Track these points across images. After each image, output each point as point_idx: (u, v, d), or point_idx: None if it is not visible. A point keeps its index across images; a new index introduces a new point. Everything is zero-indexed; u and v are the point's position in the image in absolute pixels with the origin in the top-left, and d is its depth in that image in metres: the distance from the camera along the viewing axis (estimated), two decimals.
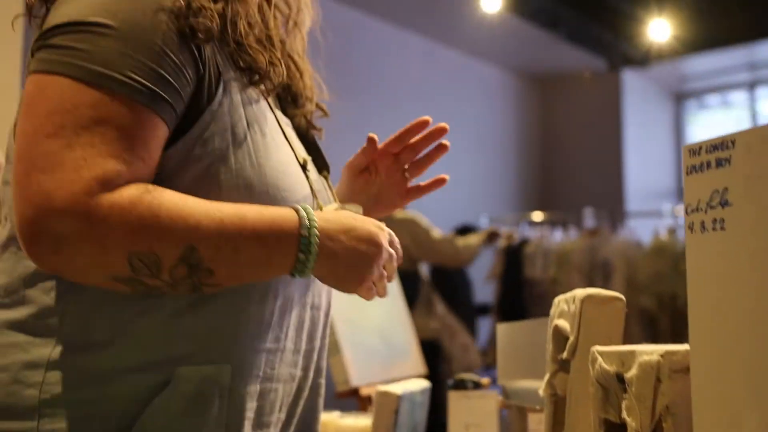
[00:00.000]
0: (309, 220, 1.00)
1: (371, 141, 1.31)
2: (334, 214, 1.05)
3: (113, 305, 0.98)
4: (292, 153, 1.13)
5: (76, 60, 0.94)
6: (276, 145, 1.09)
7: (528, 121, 7.41)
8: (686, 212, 0.80)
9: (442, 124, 1.34)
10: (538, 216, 5.63)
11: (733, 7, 5.51)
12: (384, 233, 1.08)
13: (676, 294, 4.53)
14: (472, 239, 4.32)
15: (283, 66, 1.14)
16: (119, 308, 0.98)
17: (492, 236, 4.44)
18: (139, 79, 0.95)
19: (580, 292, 1.11)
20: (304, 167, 1.15)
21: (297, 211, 1.00)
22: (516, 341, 1.49)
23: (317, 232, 1.00)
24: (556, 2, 5.54)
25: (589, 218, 4.90)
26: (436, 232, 4.26)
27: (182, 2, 0.99)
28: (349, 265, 1.04)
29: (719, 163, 0.77)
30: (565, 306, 1.15)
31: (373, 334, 2.59)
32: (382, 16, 5.58)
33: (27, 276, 0.99)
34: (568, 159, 7.22)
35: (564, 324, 1.14)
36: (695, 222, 0.79)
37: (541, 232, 5.25)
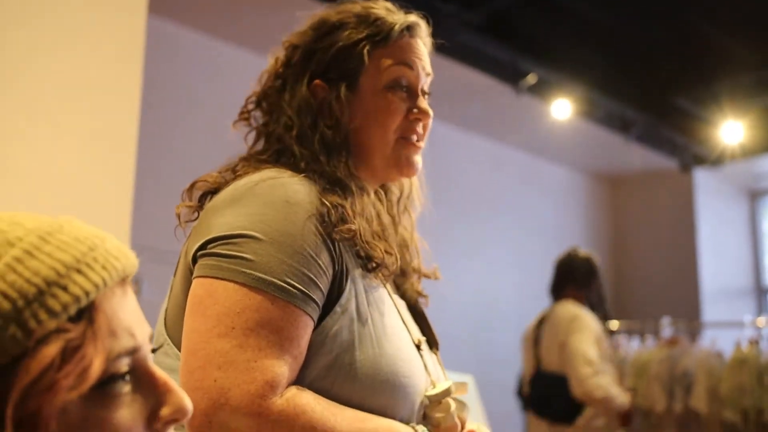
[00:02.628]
0: None
1: None
2: None
3: None
4: (409, 337, 1.24)
5: (241, 267, 1.07)
6: (394, 332, 1.20)
7: (599, 222, 7.37)
8: None
9: None
10: (614, 325, 5.53)
11: None
12: None
13: (762, 408, 4.39)
14: (615, 392, 3.69)
15: (397, 255, 1.25)
16: None
17: (625, 418, 3.84)
18: (294, 283, 1.08)
19: None
20: (418, 348, 1.26)
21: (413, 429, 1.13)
22: None
23: None
24: (626, 106, 5.58)
25: (666, 327, 4.82)
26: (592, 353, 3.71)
27: (325, 209, 1.14)
28: None
29: None
30: None
31: None
32: (448, 121, 5.69)
33: None
34: (641, 261, 7.12)
35: None
36: None
37: (617, 341, 5.16)
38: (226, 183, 1.21)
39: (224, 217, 1.13)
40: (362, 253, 1.18)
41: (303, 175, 1.20)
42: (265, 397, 1.03)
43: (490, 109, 5.63)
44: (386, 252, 1.21)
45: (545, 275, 6.60)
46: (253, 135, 1.34)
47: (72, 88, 2.36)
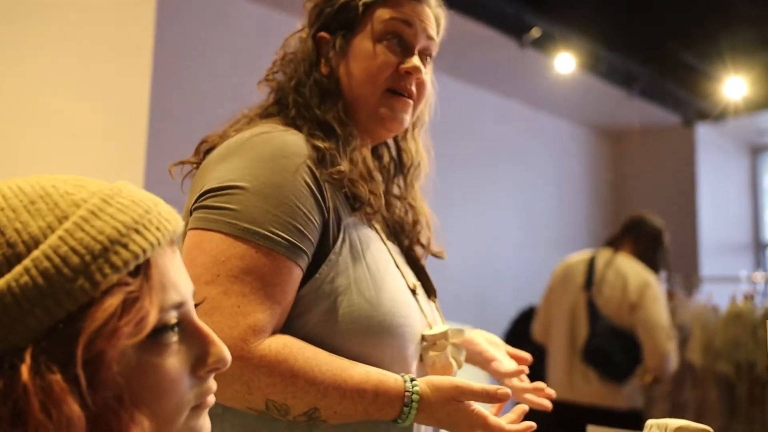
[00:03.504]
0: (410, 402, 1.15)
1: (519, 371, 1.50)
2: (445, 385, 1.18)
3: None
4: (404, 281, 1.29)
5: (227, 218, 1.12)
6: (389, 276, 1.25)
7: (601, 176, 7.39)
8: None
9: (550, 394, 1.47)
10: None
11: None
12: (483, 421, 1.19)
13: (754, 361, 4.47)
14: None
15: (382, 196, 1.30)
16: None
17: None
18: (279, 232, 1.12)
19: (672, 423, 1.16)
20: (413, 292, 1.30)
21: (404, 382, 1.16)
22: None
23: (416, 406, 1.15)
24: (630, 61, 5.57)
25: (664, 282, 4.88)
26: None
27: (316, 153, 1.19)
28: (451, 425, 1.19)
29: None
30: (657, 431, 1.20)
31: None
32: (451, 73, 5.69)
33: None
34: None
35: None
36: None
37: None
38: (227, 138, 1.26)
39: (216, 171, 1.18)
40: (348, 193, 1.23)
41: (292, 125, 1.25)
42: (247, 341, 1.07)
43: (494, 62, 5.62)
44: (371, 192, 1.25)
45: (546, 227, 6.67)
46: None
47: (86, 54, 2.38)
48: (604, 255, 3.87)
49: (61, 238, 0.65)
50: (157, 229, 0.70)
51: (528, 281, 5.87)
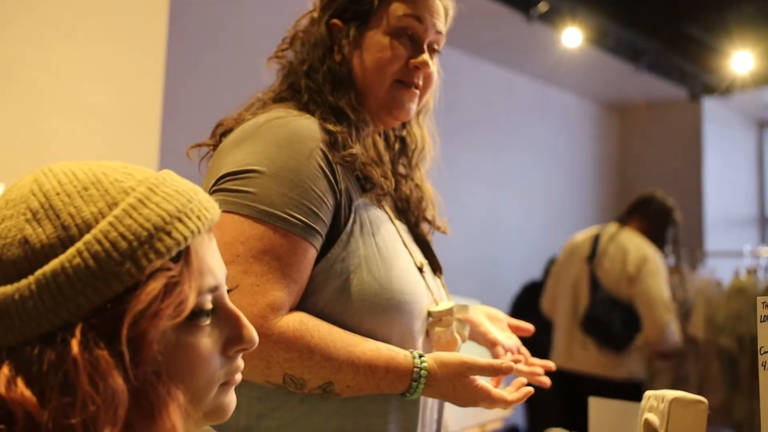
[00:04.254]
0: (418, 376, 1.22)
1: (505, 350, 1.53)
2: (452, 361, 1.25)
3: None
4: (411, 259, 1.35)
5: (246, 201, 1.18)
6: (397, 254, 1.31)
7: (607, 150, 7.40)
8: (760, 352, 0.92)
9: (549, 367, 1.51)
10: None
11: None
12: (488, 396, 1.26)
13: (756, 335, 4.49)
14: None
15: (392, 179, 1.37)
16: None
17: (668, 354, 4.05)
18: (295, 214, 1.18)
19: (669, 394, 1.21)
20: (420, 270, 1.36)
21: (413, 358, 1.23)
22: (608, 419, 1.58)
23: (424, 381, 1.22)
24: (637, 35, 5.57)
25: (668, 257, 4.92)
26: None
27: (328, 136, 1.25)
28: (457, 398, 1.26)
29: None
30: (654, 402, 1.25)
31: None
32: (458, 47, 5.69)
33: None
34: (646, 189, 7.18)
35: (654, 418, 1.25)
36: (767, 362, 0.91)
37: None
38: (242, 122, 1.31)
39: (233, 155, 1.23)
40: (360, 175, 1.29)
41: (305, 110, 1.30)
42: (267, 318, 1.13)
43: (501, 37, 5.62)
44: (382, 175, 1.32)
45: (552, 201, 6.70)
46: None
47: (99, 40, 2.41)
48: (609, 230, 3.95)
49: (111, 223, 0.70)
50: (198, 218, 0.75)
51: (534, 255, 5.91)
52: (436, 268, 1.47)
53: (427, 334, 1.35)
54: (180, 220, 0.73)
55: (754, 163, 7.72)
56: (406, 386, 1.21)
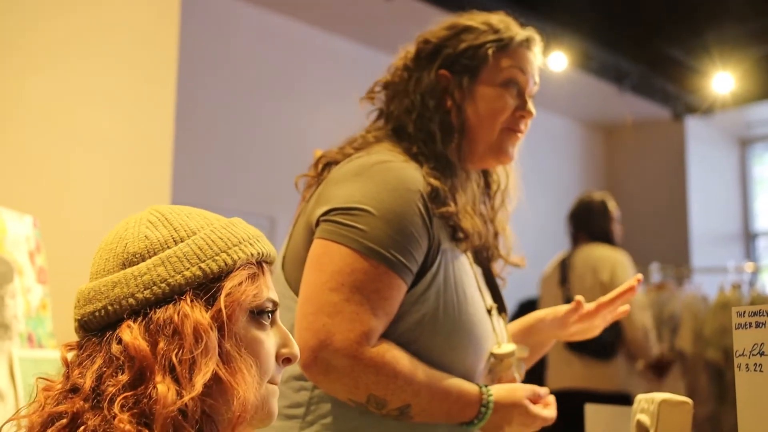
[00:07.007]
0: (487, 403, 1.38)
1: (578, 304, 1.62)
2: (509, 393, 1.41)
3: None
4: (483, 303, 1.49)
5: (356, 236, 1.32)
6: (472, 299, 1.44)
7: (593, 170, 7.52)
8: (735, 356, 1.03)
9: (634, 284, 1.59)
10: None
11: None
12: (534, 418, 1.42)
13: None
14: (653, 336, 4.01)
15: (482, 232, 1.51)
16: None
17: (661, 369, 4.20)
18: (396, 254, 1.32)
19: (658, 396, 1.31)
20: (489, 312, 1.50)
21: (481, 394, 1.39)
22: (603, 424, 1.68)
23: (492, 407, 1.38)
24: (620, 57, 5.70)
25: (655, 273, 5.03)
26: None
27: (430, 189, 1.38)
28: (514, 423, 1.42)
29: (758, 325, 1.04)
30: (645, 404, 1.36)
31: None
32: None
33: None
34: (633, 208, 7.27)
35: (645, 419, 1.35)
36: (742, 364, 1.02)
37: None
38: (346, 156, 1.45)
39: (344, 189, 1.37)
40: (453, 224, 1.42)
41: (413, 158, 1.43)
42: (361, 344, 1.28)
43: None
44: (474, 228, 1.46)
45: (538, 221, 6.78)
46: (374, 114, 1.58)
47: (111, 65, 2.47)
48: (570, 252, 4.10)
49: (212, 230, 0.94)
50: (269, 247, 0.98)
51: (523, 274, 5.98)
52: (502, 310, 1.60)
53: (489, 372, 1.48)
54: (259, 240, 0.97)
55: (737, 181, 7.84)
56: (475, 413, 1.36)
